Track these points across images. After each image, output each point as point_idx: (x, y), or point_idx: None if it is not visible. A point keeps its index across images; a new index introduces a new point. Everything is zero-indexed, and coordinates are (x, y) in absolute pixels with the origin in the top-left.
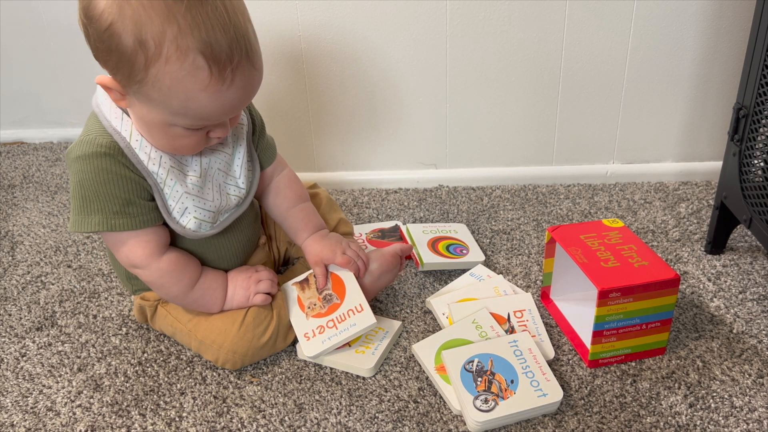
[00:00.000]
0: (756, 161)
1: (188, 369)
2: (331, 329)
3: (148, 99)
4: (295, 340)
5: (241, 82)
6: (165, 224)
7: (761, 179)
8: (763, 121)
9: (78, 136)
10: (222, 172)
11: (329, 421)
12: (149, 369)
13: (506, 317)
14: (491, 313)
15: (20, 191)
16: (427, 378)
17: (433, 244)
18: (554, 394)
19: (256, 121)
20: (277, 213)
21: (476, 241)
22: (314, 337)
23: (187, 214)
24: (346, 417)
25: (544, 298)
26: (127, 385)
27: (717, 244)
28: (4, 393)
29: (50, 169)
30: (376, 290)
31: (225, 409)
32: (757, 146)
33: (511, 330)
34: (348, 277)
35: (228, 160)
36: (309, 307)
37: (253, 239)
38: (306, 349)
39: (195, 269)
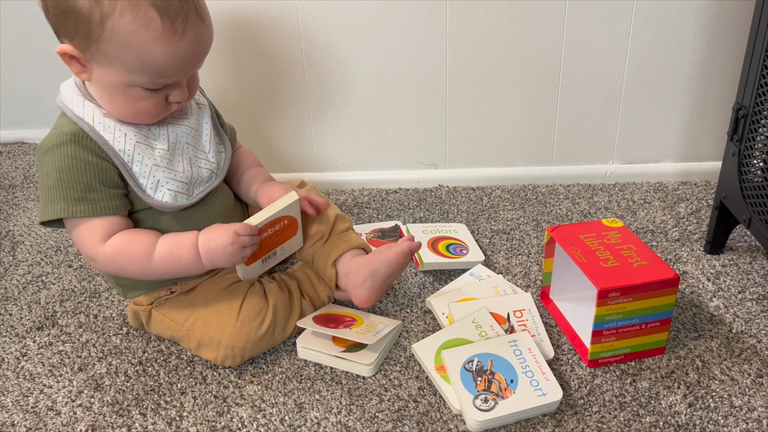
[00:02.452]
0: (755, 161)
1: (189, 368)
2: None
3: (107, 58)
4: (295, 334)
5: (192, 34)
6: (129, 215)
7: (761, 179)
8: (763, 121)
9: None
10: (191, 146)
11: (329, 420)
12: (150, 368)
13: (506, 317)
14: (491, 313)
15: (21, 191)
16: (427, 377)
17: (433, 244)
18: (554, 393)
19: (215, 108)
20: (234, 176)
21: (476, 241)
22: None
23: (161, 188)
24: (346, 416)
25: (543, 298)
26: (128, 384)
27: (716, 244)
28: (5, 392)
29: None
30: (383, 291)
31: (225, 408)
32: (756, 146)
33: (510, 330)
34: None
35: (195, 135)
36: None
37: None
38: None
39: (144, 240)
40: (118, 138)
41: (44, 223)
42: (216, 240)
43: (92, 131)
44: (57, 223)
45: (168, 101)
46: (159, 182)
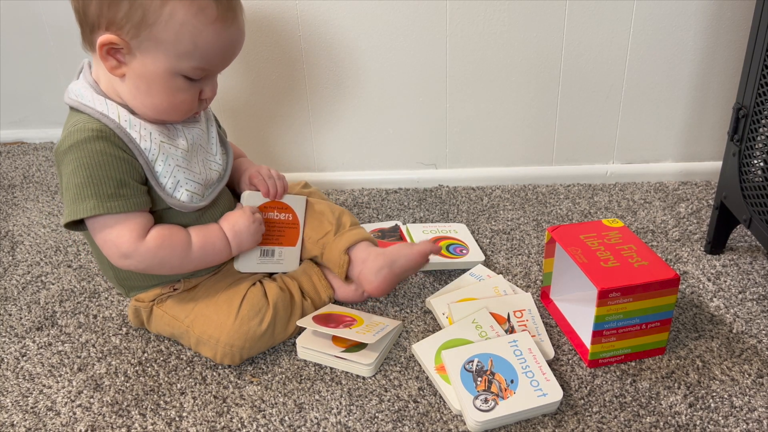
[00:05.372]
0: (756, 161)
1: (188, 369)
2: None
3: (157, 43)
4: (295, 334)
5: (237, 23)
6: (150, 210)
7: (761, 179)
8: (763, 121)
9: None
10: (203, 148)
11: (329, 420)
12: (149, 369)
13: (506, 317)
14: (491, 313)
15: (20, 191)
16: (427, 378)
17: None
18: (554, 393)
19: (212, 111)
20: None
21: (476, 241)
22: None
23: (179, 188)
24: (346, 417)
25: (543, 298)
26: (128, 384)
27: (717, 244)
28: (5, 393)
29: (50, 169)
30: (395, 283)
31: (225, 408)
32: (756, 146)
33: (511, 330)
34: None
35: (204, 137)
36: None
37: None
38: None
39: (180, 231)
40: (144, 136)
41: (69, 225)
42: (239, 222)
43: (118, 128)
44: (82, 224)
45: (200, 98)
46: (179, 182)
